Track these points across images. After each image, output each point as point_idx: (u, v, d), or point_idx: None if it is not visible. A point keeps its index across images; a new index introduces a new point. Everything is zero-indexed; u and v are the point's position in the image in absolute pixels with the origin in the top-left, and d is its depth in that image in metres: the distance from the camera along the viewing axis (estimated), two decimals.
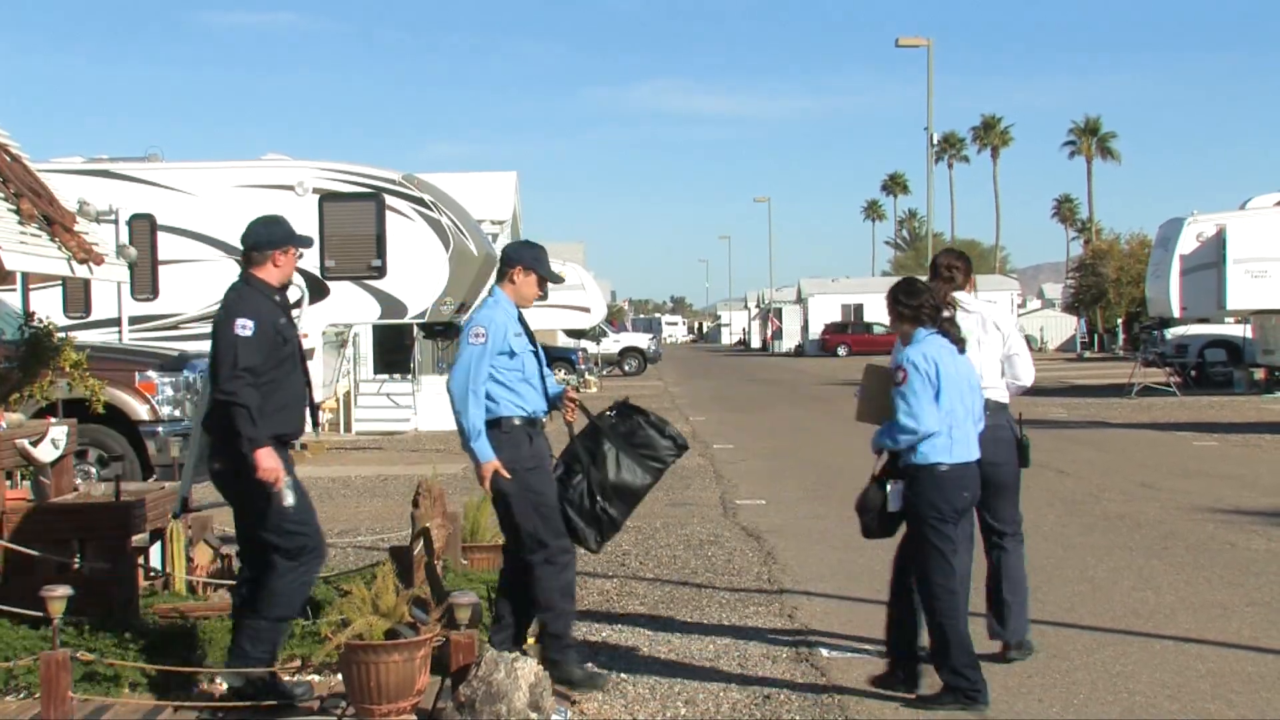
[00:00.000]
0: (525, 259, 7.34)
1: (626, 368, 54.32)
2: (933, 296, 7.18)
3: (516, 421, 7.17)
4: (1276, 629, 8.54)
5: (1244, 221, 31.04)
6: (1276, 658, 7.84)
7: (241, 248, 6.91)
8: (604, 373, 49.96)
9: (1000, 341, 7.79)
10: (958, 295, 7.76)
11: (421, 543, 8.16)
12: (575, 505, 7.26)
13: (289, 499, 6.58)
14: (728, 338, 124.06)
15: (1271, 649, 8.03)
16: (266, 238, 6.87)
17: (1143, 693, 7.17)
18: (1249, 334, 34.43)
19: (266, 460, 6.49)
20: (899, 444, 6.95)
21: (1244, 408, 28.19)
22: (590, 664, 7.30)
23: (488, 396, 7.10)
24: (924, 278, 7.70)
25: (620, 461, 7.33)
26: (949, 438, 6.90)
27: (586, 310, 42.52)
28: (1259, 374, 34.05)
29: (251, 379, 6.50)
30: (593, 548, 7.42)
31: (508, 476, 7.07)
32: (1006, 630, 7.79)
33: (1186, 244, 31.23)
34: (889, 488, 7.06)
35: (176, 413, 14.11)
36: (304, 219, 20.46)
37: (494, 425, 7.11)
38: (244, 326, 6.55)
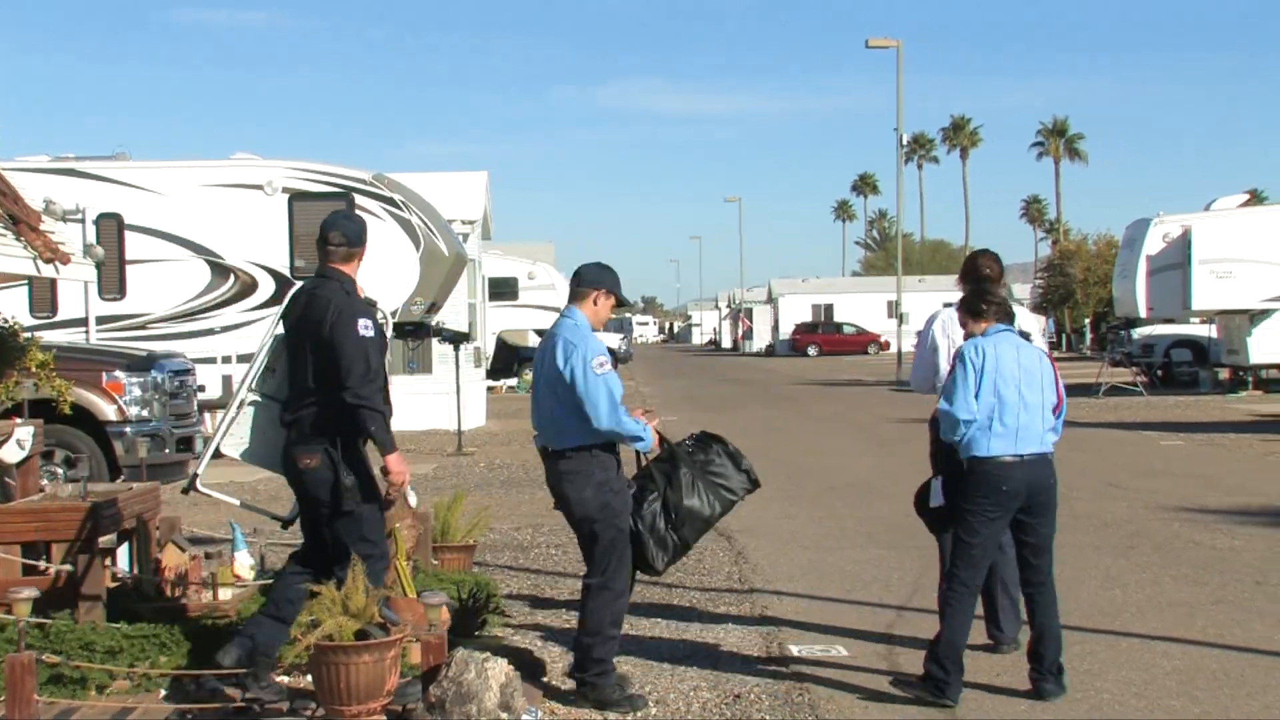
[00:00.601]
0: (608, 283, 7.26)
1: None
2: (999, 293, 7.33)
3: (600, 448, 7.09)
4: (1241, 627, 8.60)
5: (1209, 223, 31.28)
6: (1241, 655, 7.90)
7: (327, 239, 7.00)
8: None
9: None
10: None
11: (391, 543, 8.14)
12: (647, 525, 7.21)
13: (413, 498, 6.74)
14: (698, 338, 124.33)
15: (1236, 646, 8.10)
16: (359, 235, 7.04)
17: (1109, 690, 7.22)
18: (1214, 334, 34.67)
19: (398, 464, 6.66)
20: (944, 433, 7.10)
21: (1209, 407, 28.38)
22: (630, 688, 7.21)
23: (565, 423, 7.03)
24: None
25: (696, 489, 7.28)
26: (989, 430, 6.96)
27: (557, 310, 42.38)
28: (1224, 374, 34.30)
29: (382, 382, 6.64)
30: (658, 568, 7.35)
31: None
32: (1004, 633, 7.96)
33: (1153, 245, 31.45)
34: (934, 483, 7.27)
35: (144, 413, 14.05)
36: (273, 218, 20.43)
37: (582, 450, 7.03)
38: (366, 327, 6.64)
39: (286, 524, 7.67)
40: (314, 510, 6.82)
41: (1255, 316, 30.92)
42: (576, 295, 7.25)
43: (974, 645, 7.68)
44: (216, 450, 7.54)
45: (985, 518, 7.01)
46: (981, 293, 7.33)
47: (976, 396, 6.96)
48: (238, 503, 8.10)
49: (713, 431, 7.58)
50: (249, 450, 7.35)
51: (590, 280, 7.24)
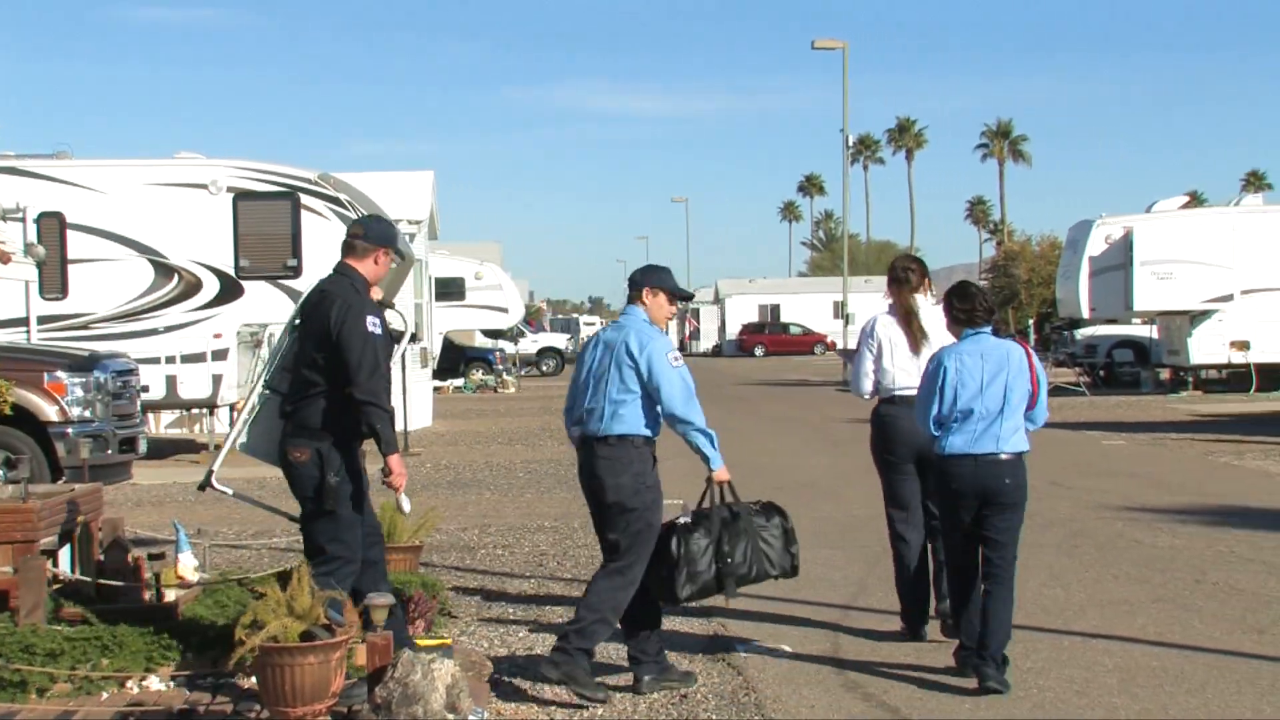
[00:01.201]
0: (650, 279, 7.54)
1: (544, 368, 54.26)
2: (985, 300, 7.58)
3: (642, 440, 7.26)
4: (1181, 625, 8.70)
5: (1150, 224, 31.61)
6: (1180, 652, 7.99)
7: (349, 235, 7.08)
8: (522, 373, 49.88)
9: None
10: (915, 298, 8.38)
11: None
12: (689, 557, 7.21)
13: (406, 505, 7.00)
14: None
15: (1175, 644, 8.19)
16: (378, 234, 7.07)
17: (1051, 688, 7.29)
18: (1155, 335, 35.03)
19: (399, 465, 6.79)
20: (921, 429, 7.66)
21: (1150, 407, 28.68)
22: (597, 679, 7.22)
23: (622, 408, 7.23)
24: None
25: (745, 547, 7.33)
26: (949, 431, 7.39)
27: (504, 310, 42.40)
28: (1164, 374, 34.68)
29: (388, 380, 6.76)
30: (680, 597, 7.28)
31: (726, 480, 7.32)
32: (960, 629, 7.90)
33: (1095, 246, 31.76)
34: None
35: (86, 414, 13.92)
36: (217, 218, 20.28)
37: (625, 439, 7.22)
38: (374, 324, 6.69)
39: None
40: (300, 501, 6.89)
41: (1195, 317, 31.26)
42: (633, 296, 7.56)
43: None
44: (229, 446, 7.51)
45: (944, 508, 7.57)
46: (962, 296, 7.56)
47: (941, 402, 7.38)
48: (253, 501, 8.02)
49: (779, 504, 7.66)
50: (248, 444, 7.44)
51: (634, 282, 7.56)
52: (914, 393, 7.89)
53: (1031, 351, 7.60)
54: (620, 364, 7.24)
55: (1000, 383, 7.34)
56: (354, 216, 20.27)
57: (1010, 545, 7.42)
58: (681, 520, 7.34)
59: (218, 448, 7.29)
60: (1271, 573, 10.32)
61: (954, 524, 7.50)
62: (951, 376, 7.37)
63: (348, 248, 7.04)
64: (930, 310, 8.39)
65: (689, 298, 7.97)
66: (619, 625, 7.37)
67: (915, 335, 8.30)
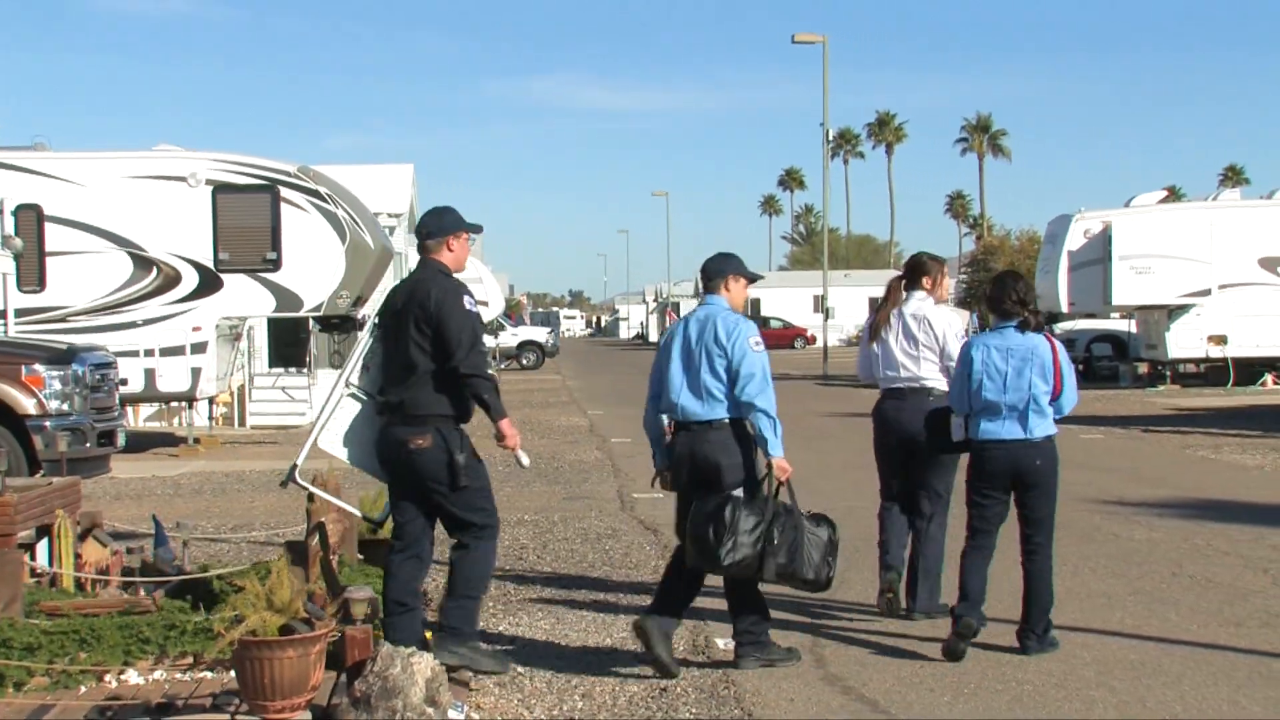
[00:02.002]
0: (731, 268, 7.85)
1: (524, 361, 54.19)
2: (1016, 292, 7.95)
3: (742, 421, 7.59)
4: (1157, 618, 8.74)
5: (1128, 219, 31.70)
6: (1158, 645, 8.03)
7: (416, 238, 7.39)
8: (502, 367, 49.82)
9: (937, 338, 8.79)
10: (908, 295, 8.95)
11: (317, 537, 8.10)
12: (737, 530, 7.32)
13: (525, 460, 7.35)
14: (626, 332, 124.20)
15: (1152, 637, 8.22)
16: (438, 225, 7.30)
17: (1030, 681, 7.31)
18: (1133, 329, 35.14)
19: (510, 428, 7.13)
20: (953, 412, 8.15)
21: (1129, 401, 28.77)
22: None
23: (721, 393, 7.55)
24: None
25: (789, 541, 7.46)
26: (979, 417, 7.88)
27: (484, 304, 42.14)
28: (1143, 368, 34.79)
29: (486, 354, 7.15)
30: (721, 561, 7.34)
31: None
32: (914, 600, 8.72)
33: (1074, 240, 31.83)
34: (954, 420, 8.09)
35: (64, 407, 13.88)
36: (197, 211, 20.23)
37: (730, 423, 7.56)
38: (470, 302, 6.99)
39: (378, 525, 7.79)
40: (423, 489, 7.05)
41: (1173, 312, 31.38)
42: (710, 286, 7.83)
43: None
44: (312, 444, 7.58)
45: (976, 492, 7.95)
46: (996, 284, 8.09)
47: (969, 389, 7.89)
48: (338, 501, 8.00)
49: (830, 517, 7.83)
50: (352, 454, 7.48)
51: (716, 270, 7.84)
52: (900, 385, 8.73)
53: (1059, 346, 7.95)
54: (710, 352, 7.53)
55: (1025, 377, 7.76)
56: (334, 210, 20.27)
57: (1046, 522, 7.89)
58: (737, 493, 7.49)
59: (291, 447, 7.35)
60: (1248, 566, 10.37)
61: (982, 509, 7.92)
62: (977, 368, 7.84)
63: (422, 249, 7.33)
64: (937, 309, 8.90)
65: (758, 279, 8.26)
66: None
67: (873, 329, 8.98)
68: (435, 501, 7.09)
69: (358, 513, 7.86)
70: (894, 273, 9.79)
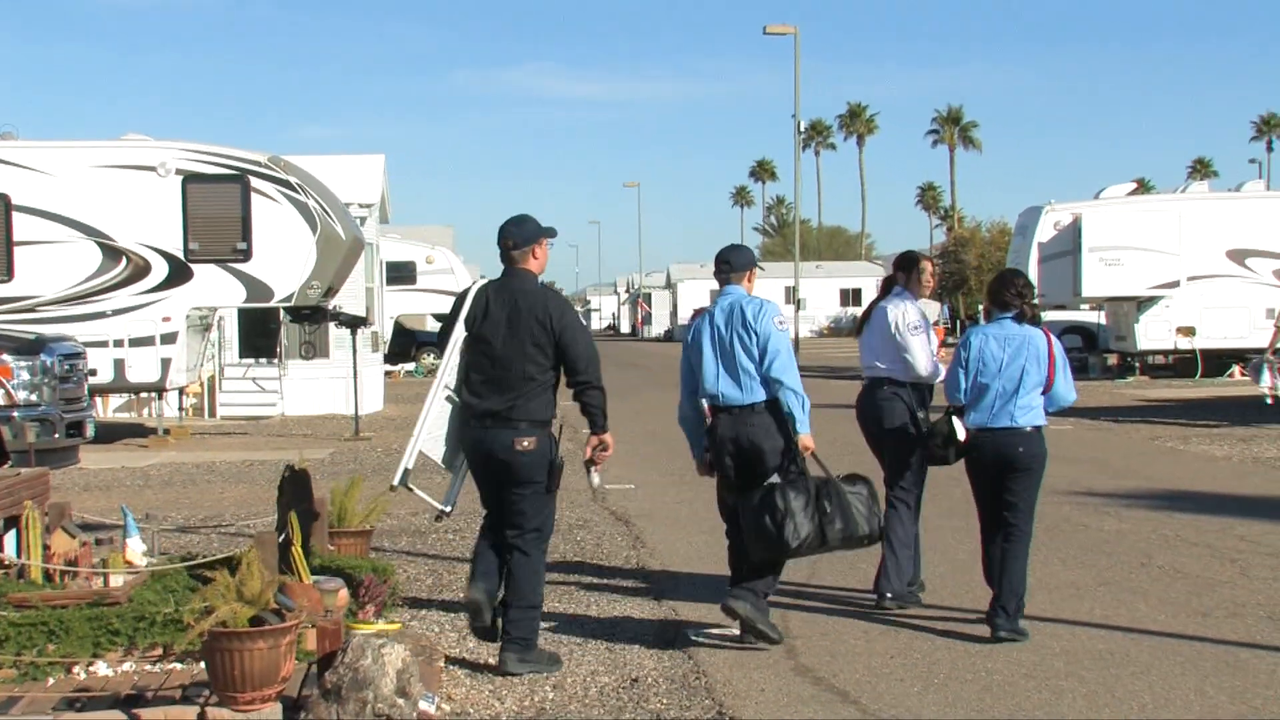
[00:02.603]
0: (750, 260, 8.31)
1: None
2: (1015, 287, 8.29)
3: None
4: (1126, 607, 8.80)
5: (1098, 211, 31.85)
6: (1126, 635, 8.08)
7: (501, 248, 7.54)
8: None
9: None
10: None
11: (288, 529, 8.08)
12: (793, 512, 7.59)
13: (597, 480, 7.87)
14: (597, 323, 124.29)
15: (1121, 627, 8.28)
16: (523, 234, 7.51)
17: (1000, 671, 7.35)
18: (1103, 321, 35.31)
19: (611, 440, 7.51)
20: (948, 399, 8.37)
21: (1098, 392, 28.91)
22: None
23: (757, 376, 7.86)
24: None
25: (839, 504, 7.74)
26: (971, 410, 8.19)
27: (456, 294, 42.21)
28: (1112, 360, 34.98)
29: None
30: (790, 545, 7.63)
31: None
32: (889, 582, 8.76)
33: (1044, 232, 31.99)
34: (955, 421, 8.26)
35: (33, 397, 13.80)
36: (166, 201, 20.14)
37: (769, 405, 7.86)
38: (581, 316, 7.09)
39: (443, 517, 7.98)
40: (514, 487, 7.34)
41: (1142, 304, 31.56)
42: (733, 278, 8.15)
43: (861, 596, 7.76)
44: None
45: (975, 484, 8.29)
46: (997, 279, 8.45)
47: (965, 380, 8.19)
48: (443, 507, 7.99)
49: (862, 474, 8.12)
50: (442, 453, 7.73)
51: (741, 263, 8.20)
52: (878, 374, 8.90)
53: (1054, 339, 8.30)
54: (741, 336, 7.87)
55: (1018, 365, 8.10)
56: (305, 200, 20.20)
57: (1025, 507, 8.16)
58: (775, 480, 7.73)
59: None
60: (1215, 556, 10.44)
61: (979, 491, 8.31)
62: (974, 354, 8.19)
63: (507, 258, 7.52)
64: (897, 301, 9.03)
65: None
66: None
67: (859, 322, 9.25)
68: (515, 499, 7.36)
69: (445, 507, 7.94)
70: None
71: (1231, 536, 11.27)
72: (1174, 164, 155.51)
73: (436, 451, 7.67)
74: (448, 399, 7.62)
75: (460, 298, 7.71)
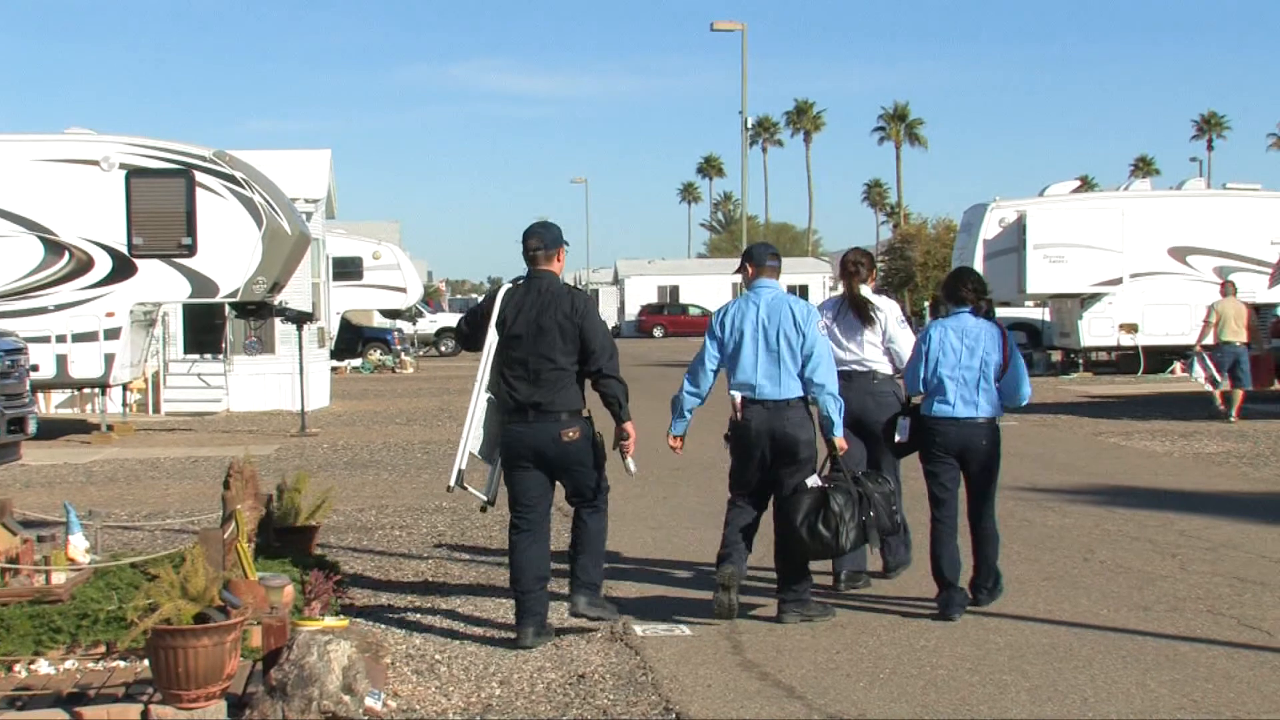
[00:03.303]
0: (779, 258, 8.72)
1: (443, 348, 53.93)
2: (972, 285, 8.76)
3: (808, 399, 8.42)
4: (1069, 602, 8.88)
5: (1043, 208, 32.07)
6: (1069, 629, 8.16)
7: (532, 250, 8.07)
8: (420, 353, 49.59)
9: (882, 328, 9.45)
10: (864, 288, 9.51)
11: (233, 525, 8.04)
12: (843, 516, 8.14)
13: (633, 467, 8.18)
14: None
15: (1064, 621, 8.35)
16: (551, 239, 8.09)
17: (945, 666, 7.40)
18: (1047, 317, 35.56)
19: (633, 430, 7.99)
20: (907, 389, 8.95)
21: (1042, 388, 29.08)
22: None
23: (795, 373, 8.31)
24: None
25: (874, 502, 8.31)
26: (934, 399, 8.61)
27: (403, 290, 42.12)
28: (1056, 356, 35.25)
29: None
30: (844, 547, 8.22)
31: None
32: (892, 555, 9.47)
33: (989, 229, 32.17)
34: (900, 421, 8.78)
35: None
36: (109, 195, 19.96)
37: (802, 400, 8.37)
38: (601, 313, 7.47)
39: (487, 508, 8.43)
40: (569, 471, 8.03)
41: (1086, 300, 31.81)
42: (766, 272, 8.54)
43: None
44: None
45: (930, 463, 8.70)
46: (954, 278, 8.89)
47: (925, 370, 8.64)
48: (486, 498, 8.31)
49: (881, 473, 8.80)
50: (481, 448, 8.12)
51: (778, 261, 8.65)
52: (845, 368, 9.09)
53: (1007, 332, 8.74)
54: (789, 336, 8.25)
55: (976, 355, 8.54)
56: (250, 195, 20.05)
57: (990, 492, 8.79)
58: (818, 484, 8.24)
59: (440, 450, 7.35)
60: (1156, 551, 10.56)
61: (937, 477, 8.71)
62: (935, 346, 8.60)
63: (532, 260, 8.05)
64: (875, 297, 9.55)
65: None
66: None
67: (865, 318, 9.37)
68: (576, 479, 8.07)
69: (488, 498, 8.30)
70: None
71: (1172, 531, 11.40)
72: (1117, 162, 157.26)
73: (475, 444, 8.06)
74: (488, 399, 8.06)
75: (488, 300, 8.18)
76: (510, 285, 8.15)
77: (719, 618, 8.25)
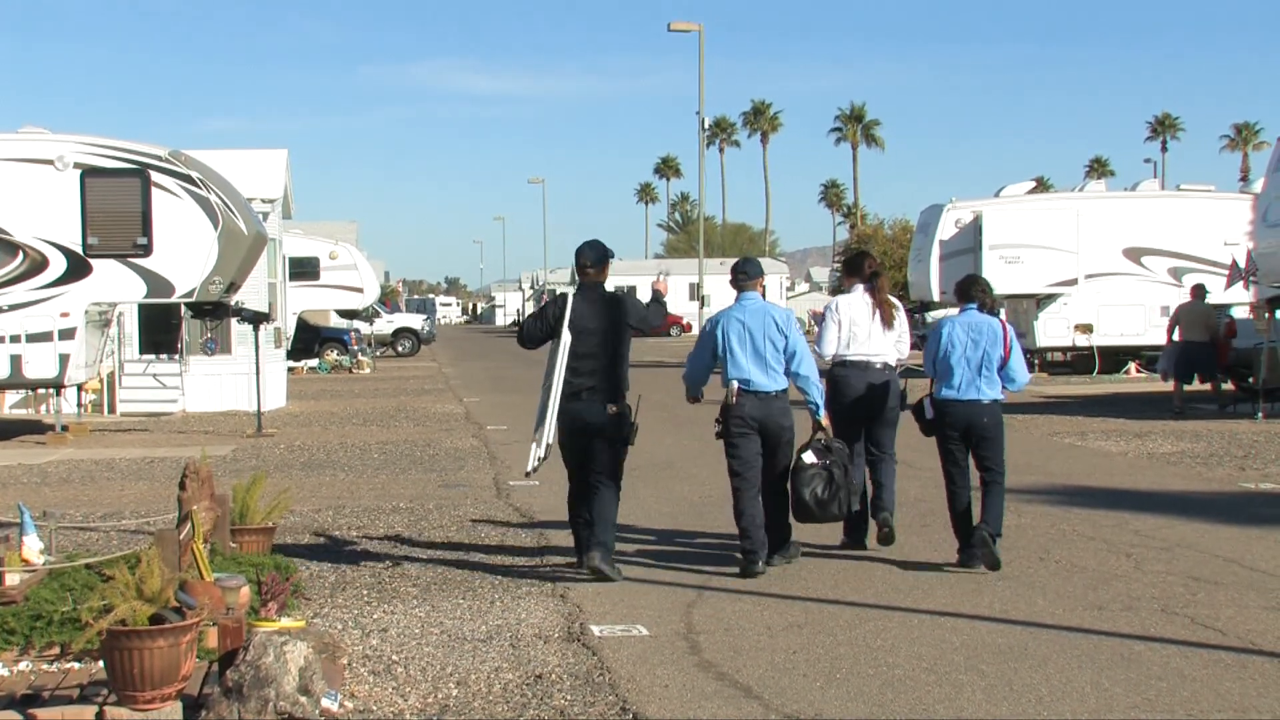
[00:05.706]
0: (762, 270, 10.33)
1: (400, 348, 53.80)
2: (980, 287, 10.30)
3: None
4: (1025, 601, 8.94)
5: (998, 209, 32.25)
6: (1025, 629, 8.21)
7: (580, 264, 10.04)
8: (377, 354, 49.42)
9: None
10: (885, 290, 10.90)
11: (189, 526, 8.00)
12: (847, 481, 9.82)
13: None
14: (502, 319, 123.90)
15: (1019, 621, 8.41)
16: (601, 255, 10.01)
17: (901, 665, 7.44)
18: (1003, 318, 35.71)
19: (664, 284, 10.42)
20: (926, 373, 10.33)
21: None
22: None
23: (780, 369, 9.80)
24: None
25: (851, 470, 9.97)
26: (944, 384, 10.03)
27: (360, 290, 41.95)
28: None
29: None
30: (843, 513, 9.92)
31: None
32: (884, 505, 10.63)
33: (946, 230, 32.33)
34: (925, 401, 10.20)
35: None
36: (64, 195, 19.78)
37: (785, 392, 9.86)
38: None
39: (530, 475, 10.20)
40: (606, 441, 9.69)
41: (1041, 301, 32.01)
42: (750, 285, 10.05)
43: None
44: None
45: (944, 441, 10.20)
46: (967, 282, 10.32)
47: (935, 359, 10.08)
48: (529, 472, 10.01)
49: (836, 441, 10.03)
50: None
51: (758, 272, 10.18)
52: (861, 358, 10.50)
53: (1008, 326, 10.12)
54: (774, 339, 9.73)
55: (980, 347, 9.93)
56: (206, 195, 19.93)
57: (998, 465, 10.08)
58: (813, 458, 9.72)
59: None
60: (1111, 550, 10.64)
61: (949, 453, 10.19)
62: (945, 339, 10.05)
63: (583, 273, 9.99)
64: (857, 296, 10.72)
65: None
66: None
67: (889, 315, 10.60)
68: (609, 450, 9.71)
69: (532, 467, 9.87)
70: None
71: (1127, 531, 11.49)
72: (1072, 163, 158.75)
73: (550, 434, 9.70)
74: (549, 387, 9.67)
75: (557, 306, 9.85)
76: (573, 293, 9.89)
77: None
